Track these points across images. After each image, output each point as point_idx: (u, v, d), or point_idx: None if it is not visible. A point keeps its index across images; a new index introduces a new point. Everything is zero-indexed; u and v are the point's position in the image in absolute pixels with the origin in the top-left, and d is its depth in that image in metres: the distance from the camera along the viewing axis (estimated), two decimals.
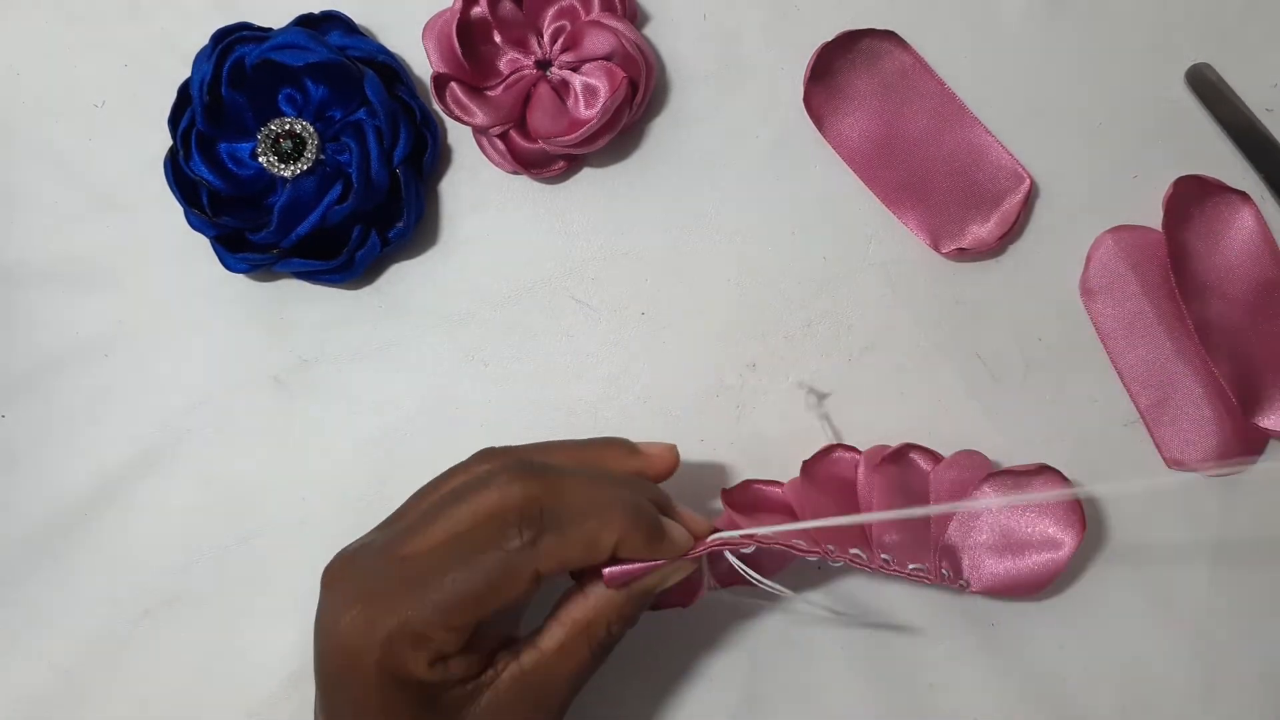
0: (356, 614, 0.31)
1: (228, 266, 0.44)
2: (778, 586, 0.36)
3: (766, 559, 0.39)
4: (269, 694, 0.44)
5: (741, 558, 0.36)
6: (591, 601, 0.34)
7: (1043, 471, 0.40)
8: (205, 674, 0.44)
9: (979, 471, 0.40)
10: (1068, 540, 0.40)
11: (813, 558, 0.36)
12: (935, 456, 0.41)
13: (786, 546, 0.35)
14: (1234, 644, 0.42)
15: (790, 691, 0.42)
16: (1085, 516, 0.40)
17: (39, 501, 0.45)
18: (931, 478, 0.41)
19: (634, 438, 0.38)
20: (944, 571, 0.39)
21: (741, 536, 0.35)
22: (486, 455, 0.35)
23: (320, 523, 0.44)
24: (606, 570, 0.33)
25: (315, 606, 0.34)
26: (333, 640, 0.32)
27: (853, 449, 0.42)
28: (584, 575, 0.35)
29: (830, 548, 0.36)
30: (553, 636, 0.33)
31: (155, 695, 0.44)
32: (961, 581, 0.39)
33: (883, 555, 0.38)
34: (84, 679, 0.44)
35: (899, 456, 0.41)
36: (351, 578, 0.33)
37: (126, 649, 0.44)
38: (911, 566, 0.38)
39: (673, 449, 0.37)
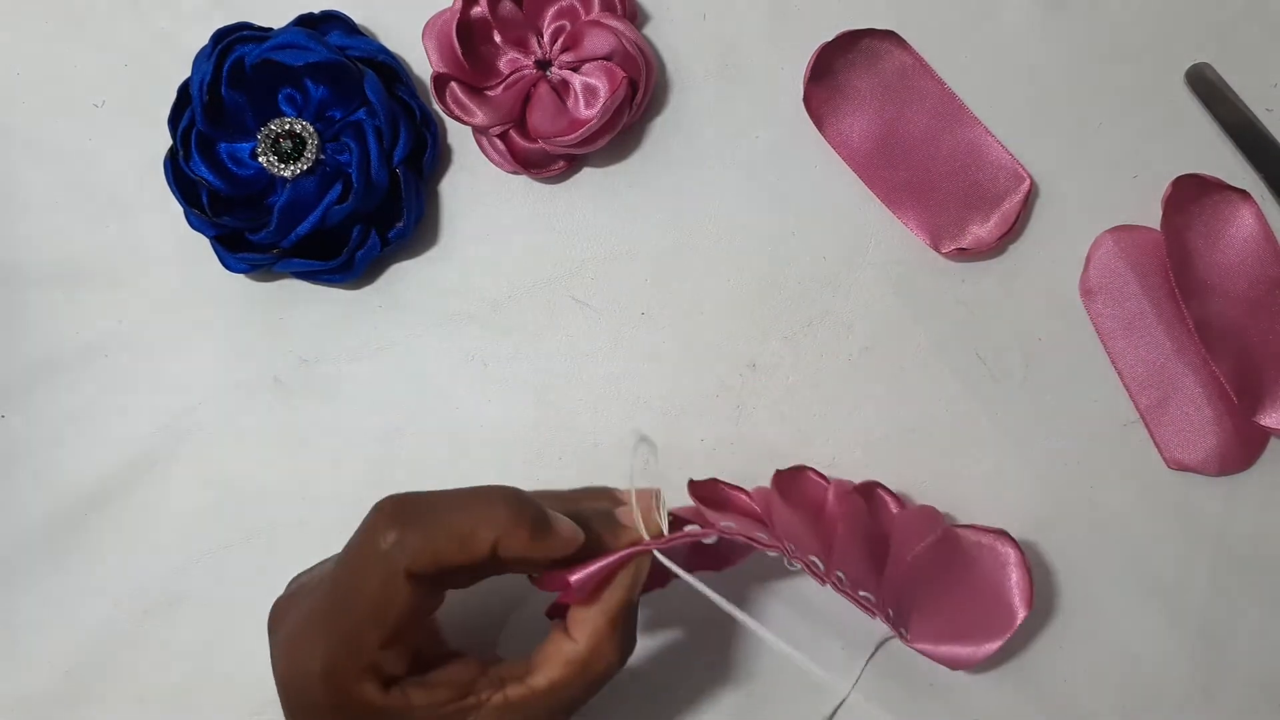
0: (297, 661, 0.32)
1: (228, 266, 0.44)
2: (717, 598, 0.34)
3: (728, 551, 0.39)
4: (269, 694, 0.43)
5: (692, 552, 0.37)
6: (584, 642, 0.33)
7: (999, 536, 0.40)
8: (205, 674, 0.44)
9: (933, 529, 0.40)
10: (1007, 625, 0.39)
11: (773, 552, 0.36)
12: (900, 500, 0.42)
13: (750, 539, 0.35)
14: (1234, 644, 0.42)
15: (790, 691, 0.42)
16: (1032, 599, 0.39)
17: (39, 501, 0.45)
18: (897, 520, 0.41)
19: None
20: (889, 613, 0.39)
21: (706, 529, 0.35)
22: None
23: (320, 523, 0.44)
24: (573, 578, 0.32)
25: None
26: (284, 686, 0.33)
27: (821, 474, 0.41)
28: (566, 616, 0.34)
29: (791, 547, 0.36)
30: (544, 674, 0.33)
31: (155, 695, 0.44)
32: (902, 630, 0.39)
33: (838, 572, 0.37)
34: (84, 679, 0.44)
35: (867, 492, 0.41)
36: (291, 620, 0.33)
37: (126, 649, 0.44)
38: (862, 594, 0.38)
39: (577, 536, 0.33)
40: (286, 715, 0.33)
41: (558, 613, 0.35)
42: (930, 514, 0.41)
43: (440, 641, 0.35)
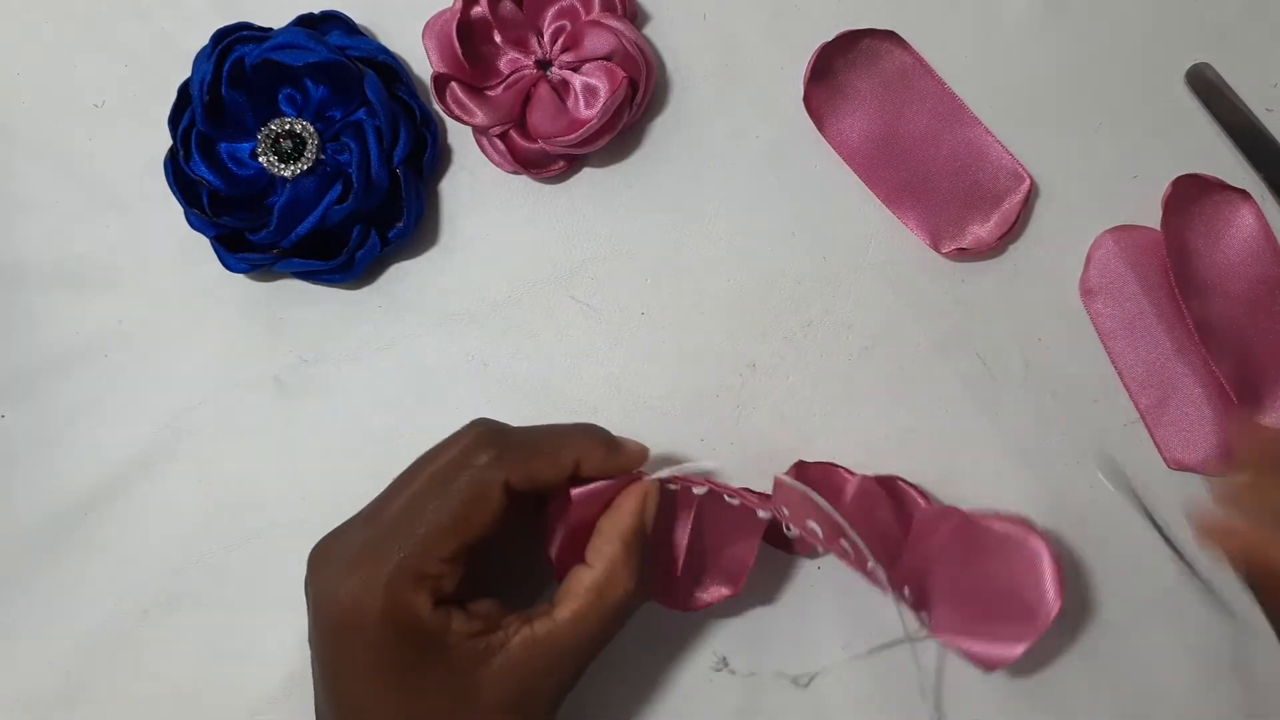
0: (355, 578, 0.33)
1: (228, 266, 0.44)
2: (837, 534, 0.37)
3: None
4: (269, 694, 0.44)
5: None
6: (600, 567, 0.35)
7: (1017, 523, 0.39)
8: (205, 674, 0.44)
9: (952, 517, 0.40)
10: (1033, 628, 0.38)
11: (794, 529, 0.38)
12: (925, 495, 0.42)
13: (773, 509, 0.37)
14: (1234, 644, 0.42)
15: (790, 692, 0.42)
16: (1062, 598, 0.38)
17: (39, 501, 0.45)
18: (921, 514, 0.41)
19: (634, 438, 0.38)
20: (905, 594, 0.39)
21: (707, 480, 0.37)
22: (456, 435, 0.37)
23: (320, 523, 0.44)
24: (574, 490, 0.35)
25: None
26: (333, 607, 0.33)
27: (847, 469, 0.42)
28: (588, 547, 0.36)
29: (813, 526, 0.37)
30: (566, 605, 0.34)
31: (155, 695, 0.44)
32: (922, 615, 0.39)
33: (870, 561, 0.38)
34: (84, 679, 0.44)
35: (890, 485, 0.41)
36: (339, 553, 0.34)
37: (126, 649, 0.44)
38: (873, 564, 0.38)
39: (644, 450, 0.38)
40: (319, 649, 0.34)
41: (564, 571, 0.36)
42: (952, 510, 0.41)
43: (479, 578, 0.36)
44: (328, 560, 0.34)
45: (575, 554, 0.36)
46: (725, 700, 0.42)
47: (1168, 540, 0.42)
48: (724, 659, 0.42)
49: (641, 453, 0.37)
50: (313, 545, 0.36)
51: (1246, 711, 0.41)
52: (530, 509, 0.36)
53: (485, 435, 0.35)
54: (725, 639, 0.43)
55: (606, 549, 0.35)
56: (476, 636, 0.33)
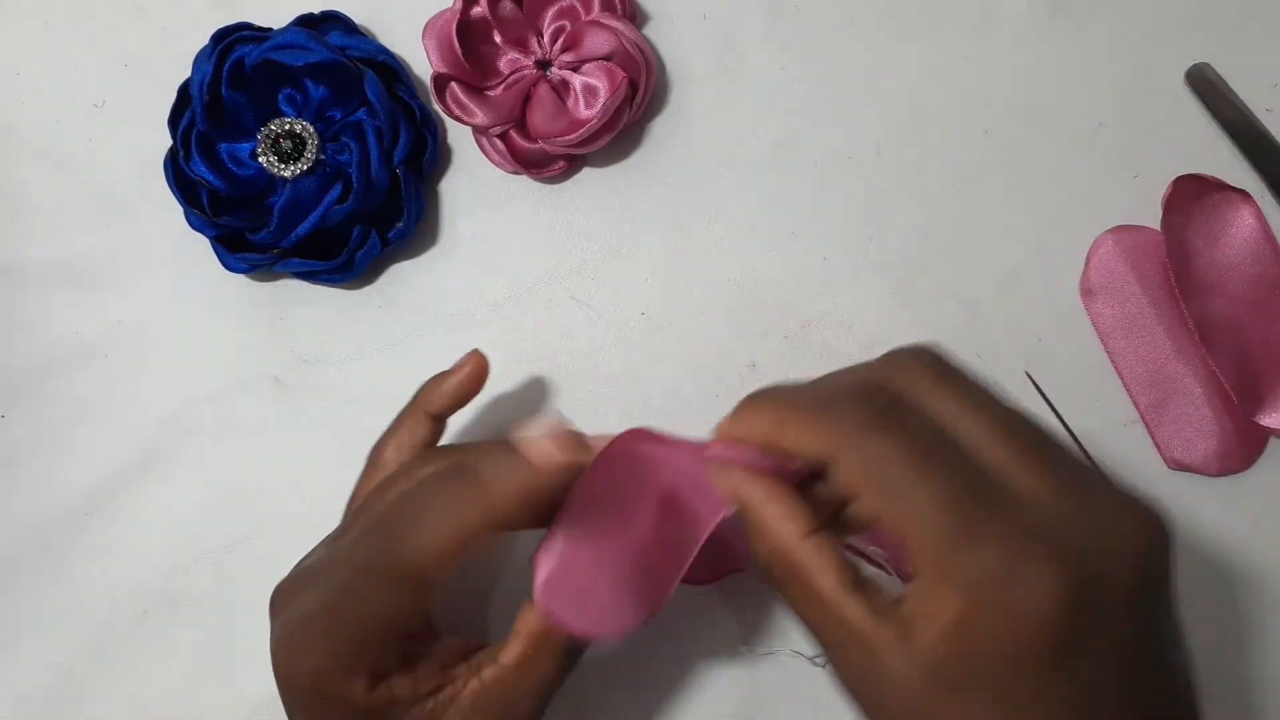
0: (288, 648, 0.32)
1: (228, 266, 0.44)
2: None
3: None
4: (269, 694, 0.43)
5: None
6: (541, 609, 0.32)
7: None
8: (205, 674, 0.44)
9: None
10: None
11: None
12: None
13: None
14: (1234, 644, 0.42)
15: (790, 693, 0.42)
16: None
17: (39, 501, 0.45)
18: None
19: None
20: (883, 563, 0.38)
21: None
22: (430, 456, 0.35)
23: (320, 523, 0.44)
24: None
25: None
26: (276, 673, 0.32)
27: None
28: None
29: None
30: (511, 650, 0.32)
31: (155, 695, 0.44)
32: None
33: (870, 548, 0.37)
34: (84, 679, 0.44)
35: None
36: (283, 608, 0.33)
37: (126, 649, 0.44)
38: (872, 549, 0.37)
39: (477, 357, 0.38)
40: (283, 699, 0.33)
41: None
42: None
43: (426, 623, 0.35)
44: (280, 609, 0.33)
45: None
46: (741, 678, 0.42)
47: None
48: (745, 639, 0.41)
49: (547, 451, 0.33)
50: (311, 547, 0.36)
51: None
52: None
53: (380, 529, 0.32)
54: (741, 618, 0.43)
55: None
56: (425, 698, 0.32)
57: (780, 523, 0.28)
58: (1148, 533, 0.26)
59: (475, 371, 0.38)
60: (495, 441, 0.34)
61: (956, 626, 0.25)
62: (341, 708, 0.31)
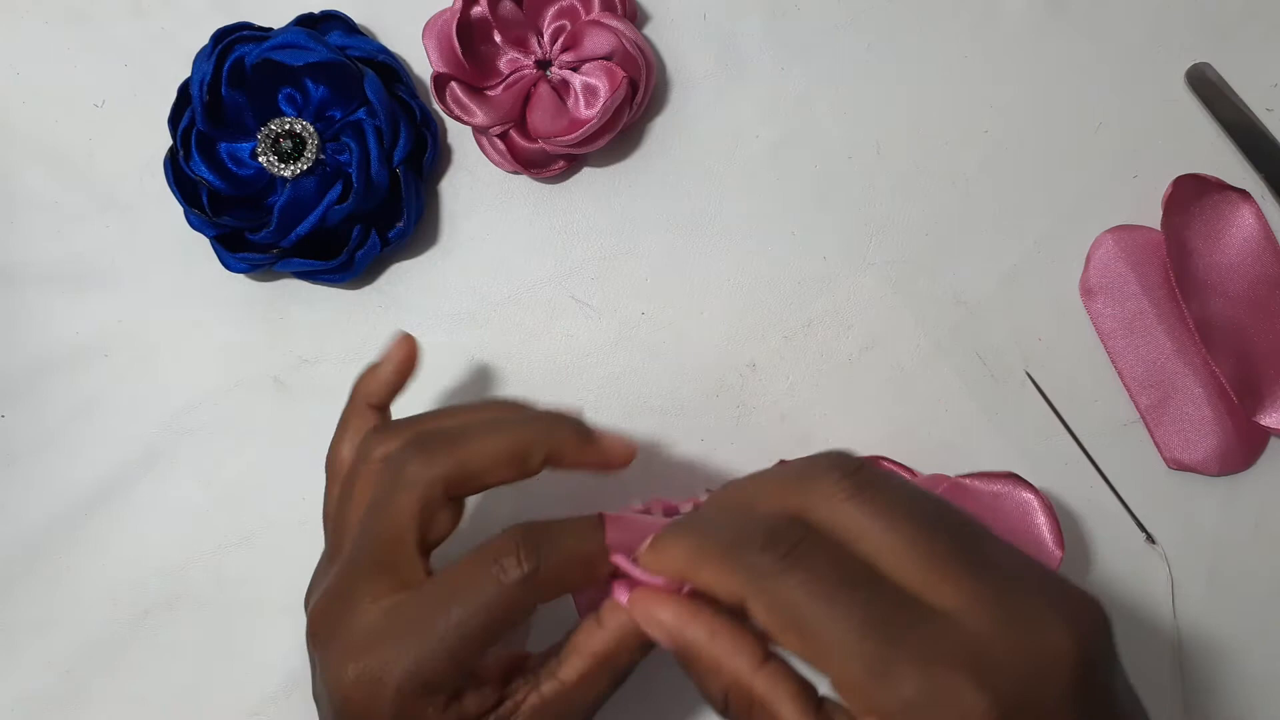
0: (359, 670, 0.30)
1: (228, 266, 0.44)
2: None
3: None
4: (269, 694, 0.44)
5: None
6: (610, 633, 0.32)
7: (1008, 479, 0.40)
8: (205, 674, 0.44)
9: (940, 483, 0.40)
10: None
11: None
12: (911, 471, 0.42)
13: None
14: (1234, 643, 0.42)
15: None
16: (1063, 540, 0.39)
17: (39, 501, 0.45)
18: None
19: (634, 438, 0.36)
20: None
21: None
22: (378, 437, 0.35)
23: (320, 523, 0.44)
24: (609, 515, 0.32)
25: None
26: (339, 696, 0.31)
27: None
28: (600, 606, 0.33)
29: None
30: (573, 668, 0.32)
31: (155, 695, 0.44)
32: None
33: None
34: (84, 679, 0.44)
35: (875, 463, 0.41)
36: (340, 633, 0.32)
37: (126, 649, 0.44)
38: None
39: (406, 340, 0.37)
40: (334, 714, 0.32)
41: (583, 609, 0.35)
42: (940, 478, 0.41)
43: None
44: (329, 639, 0.32)
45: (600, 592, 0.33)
46: None
47: (1094, 463, 0.42)
48: None
49: (621, 446, 0.34)
50: (319, 547, 0.36)
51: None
52: None
53: (512, 540, 0.31)
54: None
55: (624, 616, 0.31)
56: (486, 715, 0.31)
57: (731, 659, 0.28)
58: (1081, 630, 0.25)
59: (407, 355, 0.38)
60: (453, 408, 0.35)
61: None
62: None
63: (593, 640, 0.32)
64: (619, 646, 0.32)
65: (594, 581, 0.32)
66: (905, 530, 0.26)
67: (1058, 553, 0.39)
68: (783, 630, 0.26)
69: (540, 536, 0.31)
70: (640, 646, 0.32)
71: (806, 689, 0.27)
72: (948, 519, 0.27)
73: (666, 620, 0.29)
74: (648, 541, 0.30)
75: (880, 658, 0.24)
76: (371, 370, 0.38)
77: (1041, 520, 0.39)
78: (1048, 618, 0.25)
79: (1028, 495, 0.40)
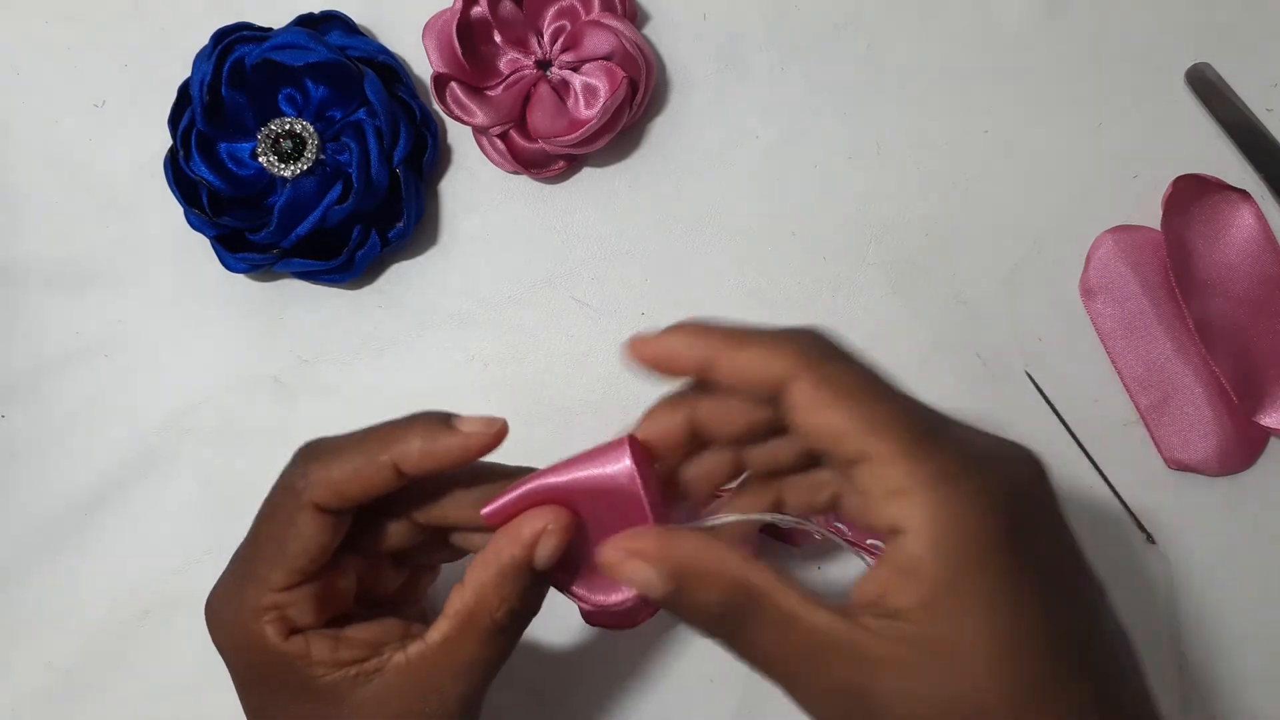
0: (214, 606, 0.33)
1: (228, 266, 0.44)
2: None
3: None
4: None
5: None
6: (469, 589, 0.31)
7: None
8: (205, 674, 0.44)
9: None
10: None
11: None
12: None
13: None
14: (1234, 643, 0.42)
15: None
16: None
17: (39, 501, 0.45)
18: None
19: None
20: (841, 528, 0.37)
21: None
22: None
23: None
24: (484, 510, 0.31)
25: None
26: (212, 635, 0.33)
27: None
28: (471, 564, 0.32)
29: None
30: (438, 629, 0.31)
31: (155, 695, 0.44)
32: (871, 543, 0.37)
33: (837, 523, 0.37)
34: (84, 679, 0.44)
35: None
36: (214, 591, 0.34)
37: (127, 649, 0.44)
38: (869, 541, 0.37)
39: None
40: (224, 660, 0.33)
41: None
42: None
43: (373, 600, 0.34)
44: (209, 599, 0.34)
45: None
46: (741, 678, 0.42)
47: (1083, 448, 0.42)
48: None
49: (483, 428, 0.31)
50: None
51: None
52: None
53: (303, 451, 0.32)
54: None
55: (479, 574, 0.31)
56: (346, 665, 0.31)
57: (725, 561, 0.28)
58: (1040, 461, 0.28)
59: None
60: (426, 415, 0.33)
61: (930, 532, 0.25)
62: (260, 656, 0.31)
63: (453, 600, 0.31)
64: (479, 602, 0.31)
65: (375, 482, 0.31)
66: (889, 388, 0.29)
67: None
68: (829, 403, 0.27)
69: (317, 443, 0.32)
70: (503, 601, 0.31)
71: (793, 579, 0.28)
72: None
73: (650, 546, 0.29)
74: (650, 335, 0.30)
75: (921, 434, 0.26)
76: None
77: None
78: (1013, 448, 0.28)
79: None
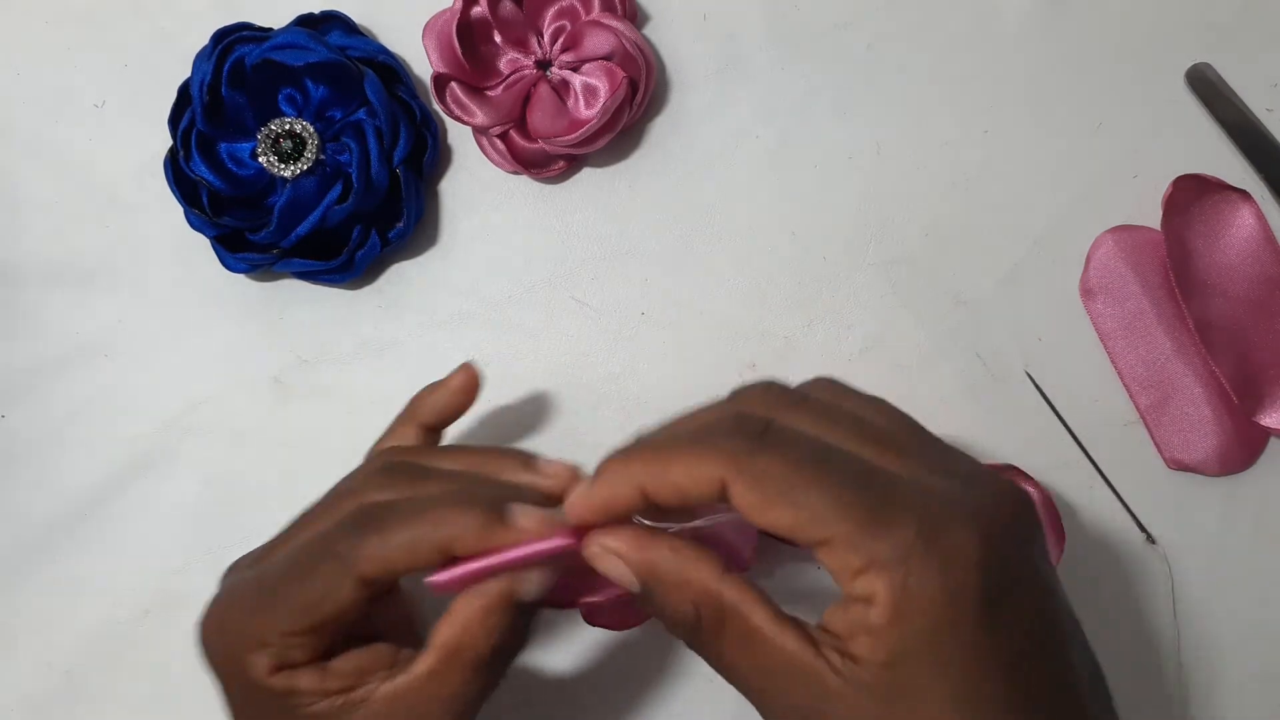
0: (212, 623, 0.32)
1: (228, 266, 0.44)
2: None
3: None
4: None
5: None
6: (456, 622, 0.31)
7: (1008, 470, 0.40)
8: (205, 674, 0.44)
9: None
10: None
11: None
12: None
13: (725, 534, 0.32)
14: (1234, 643, 0.42)
15: None
16: (1064, 532, 0.39)
17: (39, 501, 0.45)
18: None
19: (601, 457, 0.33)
20: None
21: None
22: (368, 457, 0.36)
23: None
24: (428, 578, 0.31)
25: None
26: (202, 648, 0.33)
27: None
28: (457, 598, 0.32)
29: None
30: (424, 661, 0.31)
31: (155, 695, 0.44)
32: None
33: None
34: (84, 679, 0.44)
35: None
36: (222, 589, 0.34)
37: (126, 649, 0.44)
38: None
39: (574, 472, 0.33)
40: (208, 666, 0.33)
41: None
42: None
43: (366, 625, 0.34)
44: (224, 578, 0.34)
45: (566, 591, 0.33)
46: (727, 704, 0.42)
47: (1085, 450, 0.43)
48: None
49: (533, 528, 0.30)
50: None
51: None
52: None
53: (355, 516, 0.31)
54: None
55: (465, 606, 0.31)
56: (332, 694, 0.31)
57: (697, 570, 0.28)
58: (1019, 497, 0.28)
59: (466, 384, 0.38)
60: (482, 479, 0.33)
61: (893, 607, 0.25)
62: (242, 683, 0.31)
63: (439, 632, 0.31)
64: (465, 636, 0.31)
65: (421, 564, 0.30)
66: (846, 419, 0.29)
67: (1057, 550, 0.39)
68: (771, 503, 0.27)
69: (377, 510, 0.31)
70: (489, 634, 0.31)
71: (766, 596, 0.28)
72: (876, 407, 0.30)
73: (625, 547, 0.29)
74: (582, 483, 0.30)
75: (871, 511, 0.26)
76: (429, 390, 0.39)
77: (1041, 516, 0.39)
78: (990, 482, 0.28)
79: (1028, 489, 0.39)
